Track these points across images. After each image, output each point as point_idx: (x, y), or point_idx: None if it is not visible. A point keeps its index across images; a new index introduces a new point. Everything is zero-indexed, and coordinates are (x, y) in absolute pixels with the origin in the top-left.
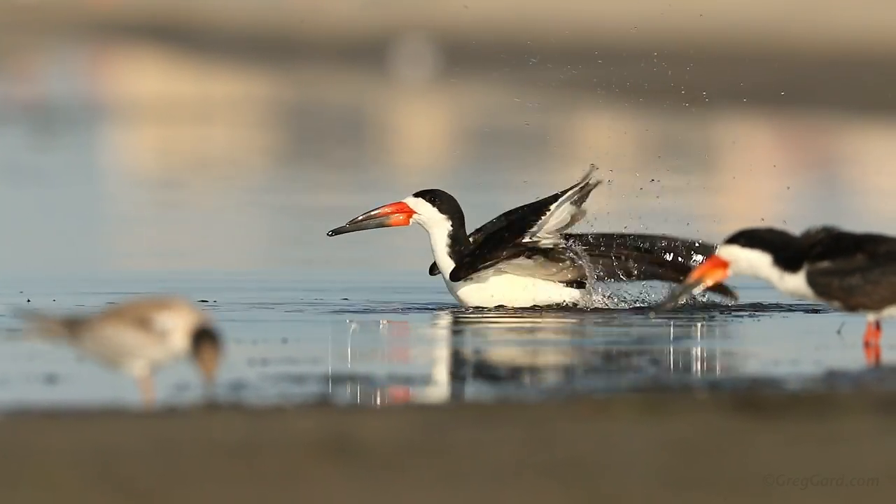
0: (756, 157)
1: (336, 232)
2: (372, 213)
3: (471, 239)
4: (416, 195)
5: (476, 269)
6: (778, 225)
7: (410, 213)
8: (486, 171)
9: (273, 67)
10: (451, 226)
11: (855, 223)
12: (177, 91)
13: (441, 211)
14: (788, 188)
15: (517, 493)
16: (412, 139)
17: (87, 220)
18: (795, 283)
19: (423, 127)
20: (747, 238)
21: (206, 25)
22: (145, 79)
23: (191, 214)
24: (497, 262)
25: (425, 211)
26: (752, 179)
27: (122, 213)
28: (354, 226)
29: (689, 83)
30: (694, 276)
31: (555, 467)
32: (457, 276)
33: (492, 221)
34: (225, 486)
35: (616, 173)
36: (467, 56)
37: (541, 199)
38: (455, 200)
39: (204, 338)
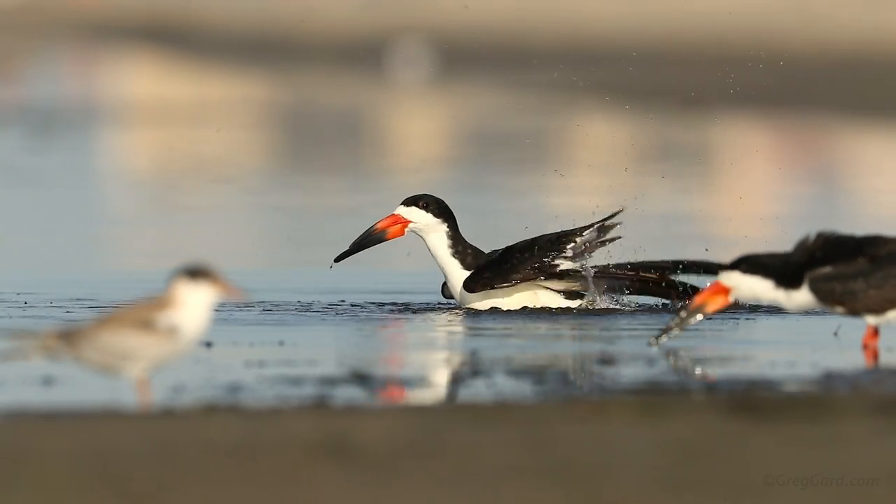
0: (753, 158)
1: (340, 258)
2: (369, 231)
3: (483, 248)
4: (407, 204)
5: (493, 287)
6: (772, 222)
7: (406, 223)
8: (484, 173)
9: (270, 69)
10: (448, 227)
11: (852, 224)
12: (173, 93)
13: (435, 215)
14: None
15: (514, 494)
16: (409, 141)
17: (83, 222)
18: (802, 297)
19: (420, 129)
20: (748, 264)
21: (203, 27)
22: (141, 81)
23: (187, 216)
24: (514, 284)
25: (420, 218)
26: (750, 180)
27: (119, 214)
28: (356, 247)
29: (687, 85)
30: (695, 303)
31: (552, 469)
32: (472, 288)
33: (518, 242)
34: (222, 487)
35: (614, 174)
36: (464, 58)
37: (566, 229)
38: (444, 202)
39: (196, 272)
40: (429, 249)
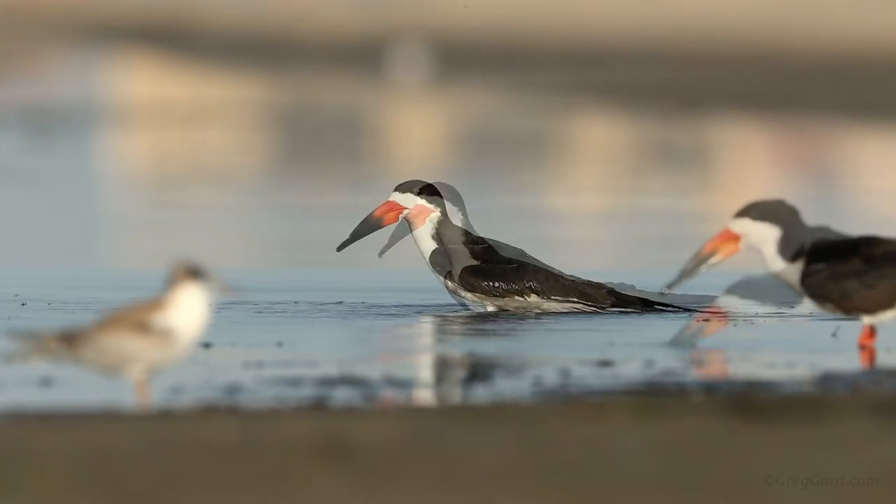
0: (752, 159)
1: (383, 252)
2: (400, 222)
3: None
4: (424, 195)
5: (487, 294)
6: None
7: (428, 212)
8: (483, 175)
9: (268, 70)
10: (462, 215)
11: (851, 225)
12: (172, 94)
13: (452, 203)
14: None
15: (512, 496)
16: (408, 142)
17: (82, 223)
18: (790, 273)
19: (419, 130)
20: (758, 210)
21: (202, 28)
22: (140, 81)
23: (187, 217)
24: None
25: (439, 207)
26: (749, 181)
27: (118, 215)
28: (393, 242)
29: (687, 85)
30: (693, 325)
31: (550, 470)
32: (467, 285)
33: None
34: (220, 489)
35: (613, 174)
36: (464, 59)
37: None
38: (455, 189)
39: (193, 273)
40: (438, 237)
